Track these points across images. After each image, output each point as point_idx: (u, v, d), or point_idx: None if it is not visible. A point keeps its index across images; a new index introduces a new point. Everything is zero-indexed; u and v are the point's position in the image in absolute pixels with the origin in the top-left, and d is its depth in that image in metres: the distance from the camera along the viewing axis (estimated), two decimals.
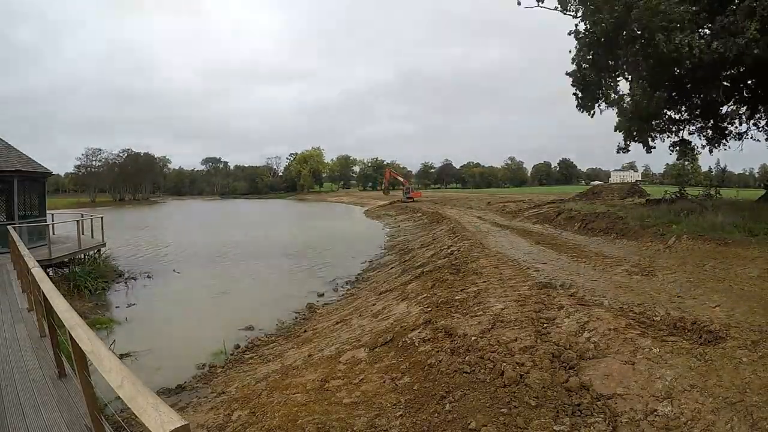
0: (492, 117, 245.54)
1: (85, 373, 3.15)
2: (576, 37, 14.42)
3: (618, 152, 17.05)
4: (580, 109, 16.20)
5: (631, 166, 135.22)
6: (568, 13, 14.25)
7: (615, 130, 16.49)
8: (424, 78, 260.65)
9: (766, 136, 15.49)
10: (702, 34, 10.68)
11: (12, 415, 3.86)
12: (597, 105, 15.99)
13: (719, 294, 6.27)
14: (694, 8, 10.74)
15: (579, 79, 15.34)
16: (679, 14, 10.39)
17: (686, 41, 10.23)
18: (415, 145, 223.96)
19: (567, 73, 15.64)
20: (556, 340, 4.97)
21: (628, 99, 15.22)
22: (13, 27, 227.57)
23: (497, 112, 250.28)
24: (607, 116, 16.92)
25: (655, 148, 16.56)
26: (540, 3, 14.47)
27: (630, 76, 14.88)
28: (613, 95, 15.48)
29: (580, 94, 15.80)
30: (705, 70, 11.03)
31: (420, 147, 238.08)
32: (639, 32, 11.78)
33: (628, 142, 16.57)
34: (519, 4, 14.87)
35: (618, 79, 15.35)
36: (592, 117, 16.10)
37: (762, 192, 17.75)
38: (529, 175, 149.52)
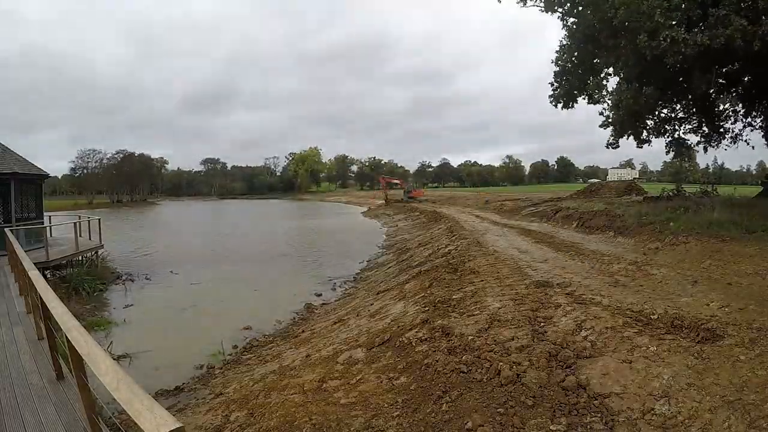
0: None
1: (82, 376, 3.15)
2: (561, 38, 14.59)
3: (607, 147, 17.02)
4: (552, 102, 16.25)
5: (629, 164, 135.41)
6: (554, 13, 14.26)
7: (601, 126, 16.43)
8: None
9: (762, 134, 15.52)
10: (688, 28, 10.57)
11: (10, 417, 3.86)
12: (575, 102, 16.02)
13: (717, 292, 6.27)
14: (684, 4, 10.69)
15: (561, 73, 15.45)
16: (662, 13, 10.31)
17: (670, 36, 10.20)
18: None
19: (552, 60, 15.75)
20: (552, 339, 4.96)
21: (615, 96, 15.25)
22: None
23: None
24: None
25: (648, 143, 16.54)
26: (524, 4, 14.51)
27: (614, 71, 14.94)
28: (596, 94, 15.50)
29: (557, 88, 15.89)
30: (694, 61, 10.97)
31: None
32: (622, 31, 11.77)
33: (616, 138, 16.55)
34: (499, 1, 14.96)
35: (604, 77, 15.39)
36: (568, 109, 16.29)
37: (759, 189, 17.83)
38: (526, 173, 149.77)
